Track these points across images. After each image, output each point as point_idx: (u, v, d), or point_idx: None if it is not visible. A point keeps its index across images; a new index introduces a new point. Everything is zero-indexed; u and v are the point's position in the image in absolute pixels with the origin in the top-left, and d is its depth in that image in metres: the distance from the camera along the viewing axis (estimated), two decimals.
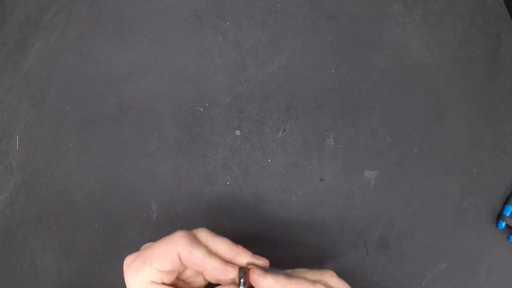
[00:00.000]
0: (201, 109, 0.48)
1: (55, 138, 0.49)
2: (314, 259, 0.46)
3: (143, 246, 0.31)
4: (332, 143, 0.47)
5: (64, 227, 0.48)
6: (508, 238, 0.48)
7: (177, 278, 0.31)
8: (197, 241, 0.29)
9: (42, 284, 0.48)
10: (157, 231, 0.46)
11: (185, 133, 0.47)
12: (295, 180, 0.46)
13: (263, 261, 0.31)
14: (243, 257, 0.30)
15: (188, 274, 0.31)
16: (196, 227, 0.42)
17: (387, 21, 0.49)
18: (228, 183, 0.46)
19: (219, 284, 0.30)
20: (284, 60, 0.48)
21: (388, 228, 0.46)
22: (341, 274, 0.46)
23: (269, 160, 0.47)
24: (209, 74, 0.48)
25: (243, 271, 0.30)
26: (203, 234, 0.30)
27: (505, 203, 0.48)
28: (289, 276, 0.29)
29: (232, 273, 0.29)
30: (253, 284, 0.30)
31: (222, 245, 0.30)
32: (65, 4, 0.51)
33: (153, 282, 0.27)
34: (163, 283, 0.28)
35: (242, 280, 0.29)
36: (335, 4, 0.49)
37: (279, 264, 0.34)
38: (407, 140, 0.47)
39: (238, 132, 0.47)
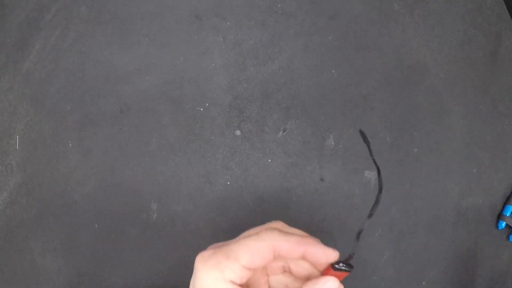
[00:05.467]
0: (201, 109, 0.48)
1: (55, 138, 0.49)
2: None
3: (214, 245, 0.28)
4: (332, 143, 0.47)
5: (64, 227, 0.48)
6: (508, 238, 0.48)
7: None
8: (288, 231, 0.27)
9: (42, 284, 0.48)
10: (157, 231, 0.46)
11: (185, 133, 0.47)
12: (295, 180, 0.46)
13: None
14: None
15: (252, 279, 0.28)
16: (196, 227, 0.42)
17: (387, 21, 0.49)
18: (228, 183, 0.46)
19: None
20: (284, 60, 0.48)
21: (388, 228, 0.46)
22: None
23: (269, 160, 0.47)
24: (209, 74, 0.48)
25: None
26: (281, 225, 0.29)
27: (505, 203, 0.48)
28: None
29: (333, 255, 0.27)
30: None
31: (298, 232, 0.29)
32: (65, 4, 0.51)
33: (231, 282, 0.24)
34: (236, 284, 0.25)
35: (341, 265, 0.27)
36: (335, 4, 0.49)
37: None
38: (407, 140, 0.47)
39: (238, 132, 0.47)
